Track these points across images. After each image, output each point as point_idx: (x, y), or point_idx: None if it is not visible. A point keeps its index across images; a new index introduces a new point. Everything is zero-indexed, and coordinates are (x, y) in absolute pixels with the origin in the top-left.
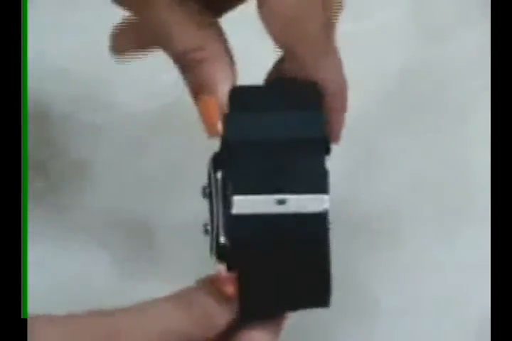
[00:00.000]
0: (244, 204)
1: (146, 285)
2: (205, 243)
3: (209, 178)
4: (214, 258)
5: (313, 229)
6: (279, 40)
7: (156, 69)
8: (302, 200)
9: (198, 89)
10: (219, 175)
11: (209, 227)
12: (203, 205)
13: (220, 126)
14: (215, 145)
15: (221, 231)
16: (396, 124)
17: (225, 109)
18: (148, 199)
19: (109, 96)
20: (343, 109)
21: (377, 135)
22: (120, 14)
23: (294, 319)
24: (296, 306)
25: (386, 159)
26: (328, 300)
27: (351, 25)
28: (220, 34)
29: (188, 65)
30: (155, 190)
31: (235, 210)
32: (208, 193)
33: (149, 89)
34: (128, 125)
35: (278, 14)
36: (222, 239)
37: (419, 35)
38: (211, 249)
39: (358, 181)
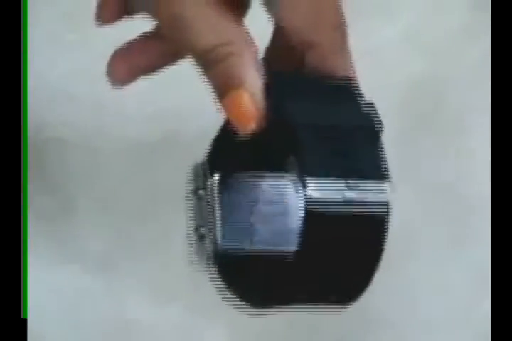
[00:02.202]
0: (316, 186)
1: None
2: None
3: (199, 182)
4: (204, 266)
5: (379, 217)
6: (301, 31)
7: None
8: (370, 186)
9: (225, 84)
10: (216, 178)
11: (203, 231)
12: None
13: (255, 119)
14: None
15: (219, 236)
16: (397, 135)
17: (259, 103)
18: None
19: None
20: None
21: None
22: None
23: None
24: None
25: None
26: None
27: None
28: (245, 30)
29: (214, 61)
30: None
31: (309, 192)
32: (198, 197)
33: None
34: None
35: (300, 4)
36: (220, 245)
37: (416, 52)
38: (202, 257)
39: None
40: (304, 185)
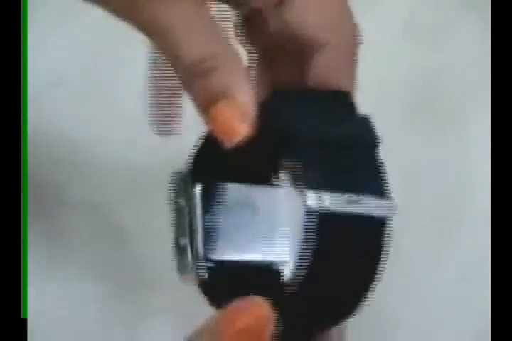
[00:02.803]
0: (318, 200)
1: None
2: None
3: (180, 191)
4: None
5: (379, 233)
6: (313, 35)
7: None
8: (372, 203)
9: (209, 98)
10: (198, 187)
11: (185, 243)
12: None
13: (242, 132)
14: None
15: (200, 247)
16: (395, 127)
17: (248, 117)
18: None
19: None
20: None
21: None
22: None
23: None
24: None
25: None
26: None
27: None
28: (233, 41)
29: (198, 74)
30: None
31: (311, 205)
32: (179, 207)
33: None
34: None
35: (309, 8)
36: (202, 256)
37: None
38: (186, 269)
39: None
40: (304, 198)
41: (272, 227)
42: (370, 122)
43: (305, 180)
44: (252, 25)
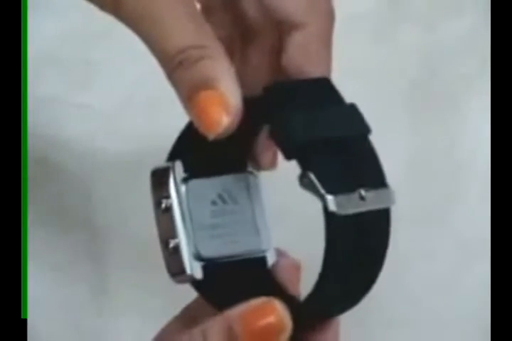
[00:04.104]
0: (338, 202)
1: None
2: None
3: (163, 190)
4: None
5: (386, 225)
6: (290, 10)
7: None
8: (379, 195)
9: (194, 87)
10: (183, 186)
11: (177, 243)
12: None
13: (225, 123)
14: None
15: (194, 248)
16: (389, 112)
17: (231, 108)
18: None
19: None
20: None
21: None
22: None
23: None
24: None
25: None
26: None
27: None
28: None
29: (182, 64)
30: None
31: (334, 210)
32: (164, 207)
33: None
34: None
35: None
36: (196, 254)
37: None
38: (180, 270)
39: None
40: (325, 202)
41: (252, 214)
42: (358, 111)
43: (319, 183)
44: (230, 9)
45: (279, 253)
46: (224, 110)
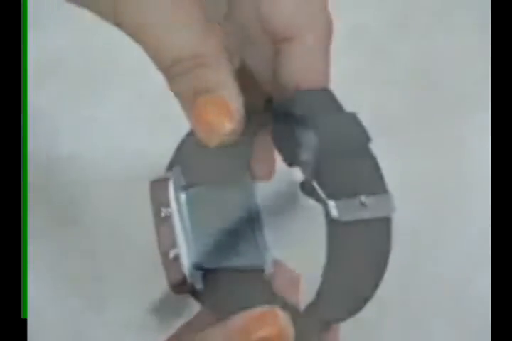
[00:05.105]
0: (339, 208)
1: None
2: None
3: (163, 199)
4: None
5: (387, 231)
6: (289, 24)
7: None
8: (379, 201)
9: (193, 95)
10: (183, 196)
11: (177, 253)
12: None
13: (227, 129)
14: None
15: (196, 258)
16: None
17: (232, 114)
18: None
19: None
20: None
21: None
22: None
23: None
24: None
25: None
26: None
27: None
28: (218, 35)
29: (180, 74)
30: None
31: (336, 215)
32: (164, 217)
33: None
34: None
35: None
36: (196, 264)
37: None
38: (180, 281)
39: None
40: (327, 208)
41: (251, 223)
42: (359, 120)
43: (322, 190)
44: (228, 17)
45: (277, 264)
46: (226, 116)
